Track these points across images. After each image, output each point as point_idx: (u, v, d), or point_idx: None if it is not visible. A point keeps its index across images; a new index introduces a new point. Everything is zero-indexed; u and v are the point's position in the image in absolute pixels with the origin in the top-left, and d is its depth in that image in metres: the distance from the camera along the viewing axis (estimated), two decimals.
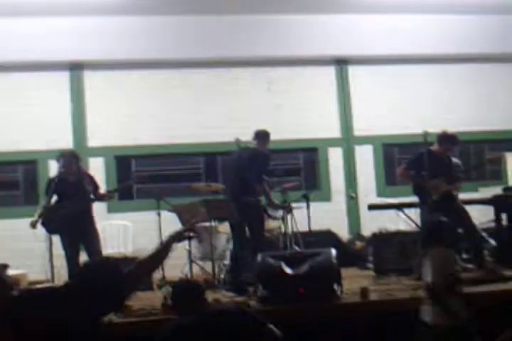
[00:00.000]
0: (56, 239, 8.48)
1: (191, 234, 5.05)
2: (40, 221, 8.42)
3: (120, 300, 4.17)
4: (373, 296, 6.98)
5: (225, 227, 9.45)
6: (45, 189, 8.73)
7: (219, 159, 11.96)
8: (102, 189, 9.16)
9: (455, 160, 9.31)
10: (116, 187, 8.98)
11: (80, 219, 8.40)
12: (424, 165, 8.41)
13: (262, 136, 8.95)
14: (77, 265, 8.01)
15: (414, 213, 8.97)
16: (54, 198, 8.63)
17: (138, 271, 4.45)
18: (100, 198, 8.80)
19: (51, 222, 8.38)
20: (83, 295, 3.89)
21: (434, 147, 8.80)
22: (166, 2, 10.66)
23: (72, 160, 8.65)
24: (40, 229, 8.48)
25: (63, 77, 11.34)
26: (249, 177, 8.33)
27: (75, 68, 11.38)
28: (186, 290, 4.86)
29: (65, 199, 8.56)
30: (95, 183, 8.83)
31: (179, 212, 8.63)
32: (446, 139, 8.78)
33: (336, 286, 6.81)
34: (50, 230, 8.38)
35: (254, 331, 4.41)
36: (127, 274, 4.20)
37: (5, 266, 8.43)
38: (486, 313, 6.18)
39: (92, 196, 8.67)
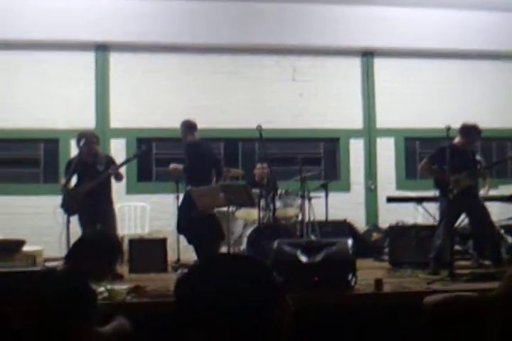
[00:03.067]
0: (74, 217, 8.52)
1: None
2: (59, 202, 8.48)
3: None
4: (387, 288, 6.96)
5: (242, 213, 9.47)
6: (65, 169, 8.77)
7: (240, 145, 11.97)
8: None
9: (478, 156, 9.26)
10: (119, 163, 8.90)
11: (96, 199, 8.43)
12: (446, 159, 8.35)
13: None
14: None
15: (434, 207, 8.96)
16: (74, 179, 8.67)
17: None
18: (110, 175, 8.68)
19: (69, 204, 8.42)
20: None
21: (456, 141, 8.72)
22: None
23: (93, 140, 8.67)
24: (59, 206, 8.54)
25: (89, 58, 11.38)
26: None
27: (101, 49, 11.42)
28: None
29: (83, 180, 8.60)
30: (116, 165, 8.83)
31: (197, 195, 8.63)
32: (468, 130, 8.68)
33: (350, 276, 6.79)
34: (69, 212, 8.41)
35: (270, 294, 4.19)
36: None
37: (21, 242, 8.49)
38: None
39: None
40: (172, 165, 9.43)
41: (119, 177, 8.76)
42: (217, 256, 4.59)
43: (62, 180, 8.71)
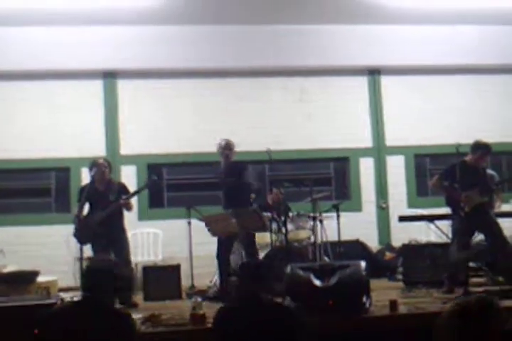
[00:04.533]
0: (87, 245, 8.55)
1: None
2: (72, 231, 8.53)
3: None
4: (402, 309, 6.94)
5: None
6: (78, 197, 8.83)
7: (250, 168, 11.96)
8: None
9: (490, 171, 9.25)
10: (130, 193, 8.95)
11: (109, 228, 8.46)
12: (456, 176, 8.34)
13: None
14: None
15: (446, 224, 8.94)
16: (86, 206, 8.71)
17: None
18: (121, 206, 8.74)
19: (82, 233, 8.46)
20: None
21: (468, 157, 8.72)
22: (200, 12, 10.70)
23: (105, 168, 8.73)
24: (71, 235, 8.58)
25: (97, 86, 11.42)
26: None
27: (109, 76, 11.47)
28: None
29: (95, 207, 8.64)
30: (128, 192, 8.88)
31: (209, 222, 8.65)
32: (479, 147, 8.69)
33: (365, 299, 6.79)
34: (81, 241, 8.44)
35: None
36: None
37: (36, 273, 8.52)
38: None
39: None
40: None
41: (128, 208, 8.79)
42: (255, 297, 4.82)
43: (75, 209, 8.77)
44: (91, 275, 4.60)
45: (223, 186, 9.08)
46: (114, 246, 8.48)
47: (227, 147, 9.07)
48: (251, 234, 8.68)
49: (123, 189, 8.88)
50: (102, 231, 8.42)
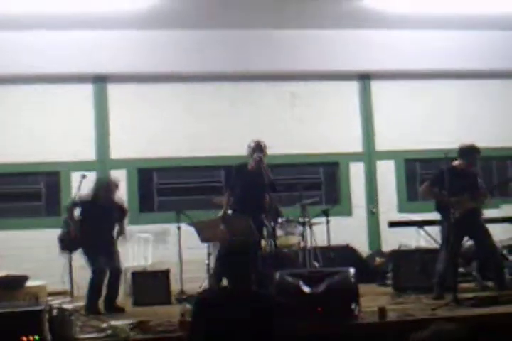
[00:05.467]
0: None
1: None
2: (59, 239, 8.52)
3: None
4: (391, 316, 6.94)
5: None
6: (71, 205, 8.78)
7: None
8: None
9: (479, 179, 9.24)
10: None
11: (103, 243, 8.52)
12: (445, 182, 8.33)
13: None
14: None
15: (436, 230, 8.95)
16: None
17: None
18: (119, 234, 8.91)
19: (71, 245, 8.45)
20: None
21: (457, 162, 8.72)
22: (192, 16, 10.69)
23: (114, 189, 8.79)
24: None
25: (87, 90, 11.39)
26: None
27: (99, 81, 11.44)
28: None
29: (92, 220, 8.62)
30: (124, 211, 9.00)
31: (199, 228, 8.65)
32: (466, 151, 8.69)
33: (353, 306, 6.79)
34: (69, 247, 8.42)
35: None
36: None
37: (24, 278, 8.50)
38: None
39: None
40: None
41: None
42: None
43: (64, 214, 8.78)
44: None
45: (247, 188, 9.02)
46: (104, 251, 8.52)
47: (259, 149, 9.07)
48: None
49: (122, 208, 9.00)
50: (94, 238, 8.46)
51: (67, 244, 8.37)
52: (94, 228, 8.48)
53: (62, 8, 10.06)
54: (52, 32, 10.84)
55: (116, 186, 8.89)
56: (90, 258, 8.45)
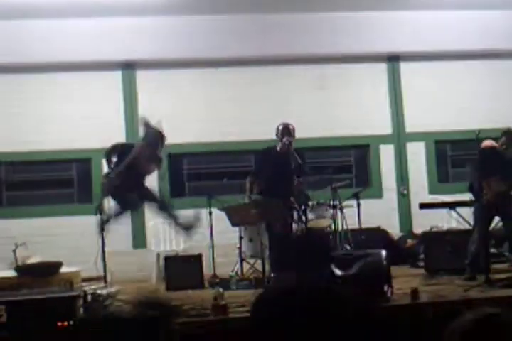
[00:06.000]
0: (109, 235, 8.66)
1: None
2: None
3: None
4: (423, 297, 6.94)
5: None
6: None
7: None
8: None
9: None
10: None
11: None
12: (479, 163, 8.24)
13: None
14: None
15: (468, 211, 8.92)
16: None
17: None
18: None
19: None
20: None
21: (486, 143, 8.61)
22: (218, 2, 10.70)
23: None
24: (93, 226, 8.66)
25: (116, 77, 11.45)
26: None
27: (127, 68, 11.50)
28: None
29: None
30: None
31: (230, 212, 8.68)
32: (504, 133, 8.56)
33: (385, 288, 6.81)
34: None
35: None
36: None
37: (59, 264, 8.60)
38: None
39: None
40: None
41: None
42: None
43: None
44: None
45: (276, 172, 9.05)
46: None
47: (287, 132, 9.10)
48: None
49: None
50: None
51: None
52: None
53: None
54: (81, 20, 10.88)
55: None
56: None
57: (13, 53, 10.86)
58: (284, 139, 9.09)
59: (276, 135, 9.33)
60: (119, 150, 8.99)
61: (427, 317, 6.47)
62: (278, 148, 9.24)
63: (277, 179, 8.98)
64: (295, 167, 8.74)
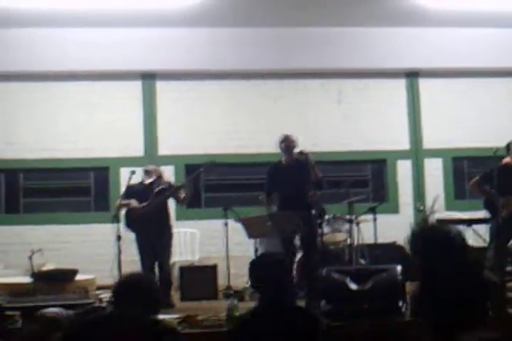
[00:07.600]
0: (126, 244, 8.69)
1: None
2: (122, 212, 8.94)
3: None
4: None
5: None
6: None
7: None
8: None
9: None
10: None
11: (156, 224, 8.75)
12: (494, 179, 8.22)
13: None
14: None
15: (484, 228, 8.89)
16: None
17: None
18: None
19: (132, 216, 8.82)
20: None
21: (507, 160, 8.59)
22: (239, 14, 10.74)
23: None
24: (110, 234, 8.69)
25: (136, 86, 11.54)
26: None
27: (148, 78, 11.58)
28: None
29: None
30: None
31: (246, 224, 8.69)
32: None
33: (400, 303, 6.79)
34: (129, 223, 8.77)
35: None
36: None
37: (74, 271, 8.64)
38: None
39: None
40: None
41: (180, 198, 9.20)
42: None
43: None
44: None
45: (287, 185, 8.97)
46: (157, 245, 8.69)
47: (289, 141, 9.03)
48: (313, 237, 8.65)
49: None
50: (148, 220, 8.72)
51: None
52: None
53: (111, 6, 10.22)
54: (101, 29, 10.99)
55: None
56: (140, 243, 9.04)
57: (36, 62, 10.97)
58: (297, 152, 8.91)
59: (279, 147, 9.14)
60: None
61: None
62: (283, 161, 9.10)
63: (290, 192, 8.85)
64: (314, 181, 8.64)
